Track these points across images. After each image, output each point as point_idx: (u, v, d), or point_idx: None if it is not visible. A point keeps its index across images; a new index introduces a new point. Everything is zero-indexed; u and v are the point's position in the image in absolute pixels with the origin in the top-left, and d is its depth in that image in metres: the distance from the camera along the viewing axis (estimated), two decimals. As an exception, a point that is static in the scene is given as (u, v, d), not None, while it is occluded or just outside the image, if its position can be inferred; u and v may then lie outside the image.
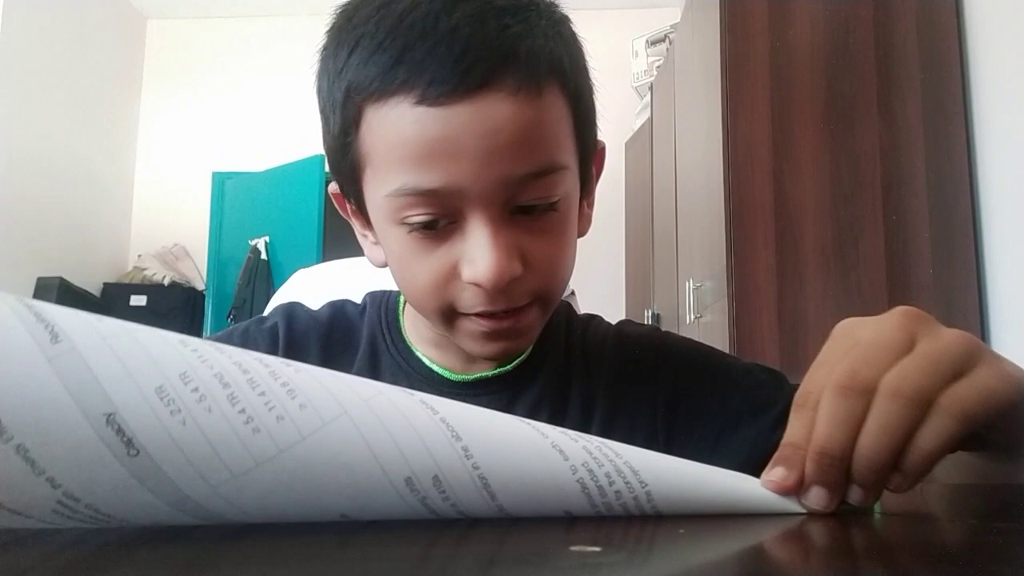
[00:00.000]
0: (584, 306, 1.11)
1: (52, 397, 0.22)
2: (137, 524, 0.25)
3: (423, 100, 0.45)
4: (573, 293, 1.09)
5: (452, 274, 0.50)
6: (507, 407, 0.58)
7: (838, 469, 0.31)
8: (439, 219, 0.49)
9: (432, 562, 0.23)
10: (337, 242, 2.51)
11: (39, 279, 3.57)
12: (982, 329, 1.92)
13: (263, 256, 3.85)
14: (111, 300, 3.87)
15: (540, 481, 0.28)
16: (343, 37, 0.50)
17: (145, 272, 3.99)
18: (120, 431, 0.22)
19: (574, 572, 0.21)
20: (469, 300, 0.51)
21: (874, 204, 1.99)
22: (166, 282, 3.96)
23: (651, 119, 3.26)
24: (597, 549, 0.23)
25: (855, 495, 0.31)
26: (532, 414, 0.59)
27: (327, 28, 0.53)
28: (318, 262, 1.15)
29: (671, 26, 3.26)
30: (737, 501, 0.31)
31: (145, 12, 4.34)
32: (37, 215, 3.57)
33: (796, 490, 0.32)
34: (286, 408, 0.24)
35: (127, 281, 4.00)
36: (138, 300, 3.89)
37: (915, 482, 0.31)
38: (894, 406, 0.31)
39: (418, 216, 0.48)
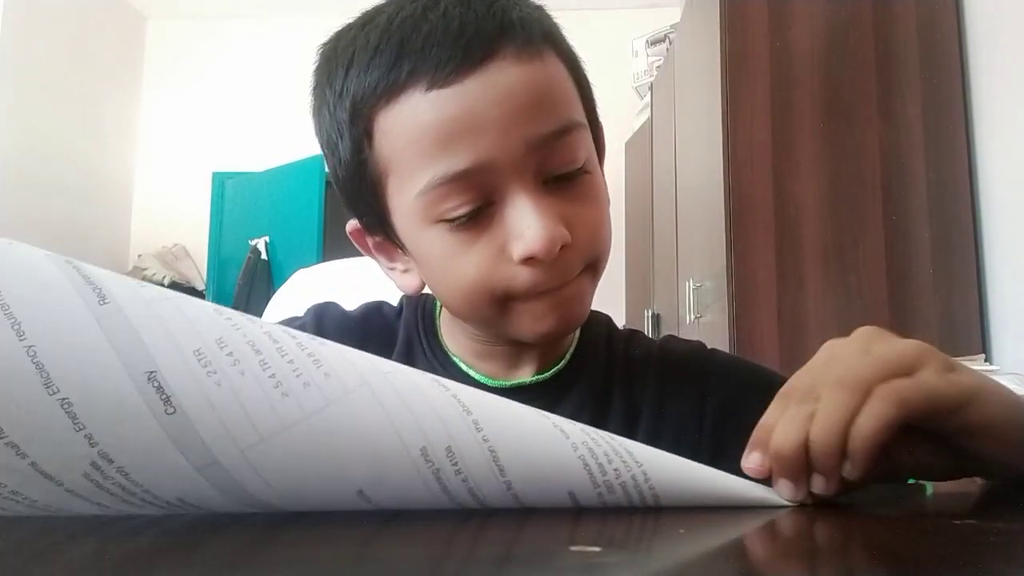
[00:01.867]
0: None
1: (98, 354, 0.23)
2: (161, 495, 0.25)
3: (433, 84, 0.46)
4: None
5: (500, 258, 0.49)
6: None
7: (795, 463, 0.34)
8: (476, 207, 0.48)
9: (431, 561, 0.23)
10: (337, 242, 2.51)
11: (39, 279, 3.57)
12: (982, 329, 1.92)
13: (263, 256, 3.86)
14: (111, 300, 3.88)
15: (546, 455, 0.29)
16: (334, 63, 0.51)
17: (145, 272, 3.99)
18: (160, 388, 0.24)
19: (574, 572, 0.21)
20: (524, 280, 0.49)
21: (874, 204, 1.99)
22: (166, 282, 3.96)
23: (651, 119, 3.26)
24: (597, 549, 0.24)
25: (816, 483, 0.34)
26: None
27: (314, 69, 0.54)
28: (318, 262, 1.15)
29: (671, 26, 3.26)
30: (729, 490, 0.32)
31: (145, 12, 4.34)
32: (37, 215, 3.57)
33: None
34: (312, 376, 0.26)
35: (127, 281, 4.01)
36: (138, 300, 3.89)
37: (863, 467, 0.33)
38: (835, 395, 0.34)
39: (456, 209, 0.48)
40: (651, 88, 3.30)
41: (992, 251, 1.93)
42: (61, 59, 3.76)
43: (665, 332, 2.96)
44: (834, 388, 0.34)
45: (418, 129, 0.47)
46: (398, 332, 0.61)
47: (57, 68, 3.74)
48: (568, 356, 0.60)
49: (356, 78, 0.49)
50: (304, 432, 0.25)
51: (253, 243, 3.88)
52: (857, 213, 1.99)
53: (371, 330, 0.61)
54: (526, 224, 0.47)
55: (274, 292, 1.15)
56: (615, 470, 0.29)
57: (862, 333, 0.38)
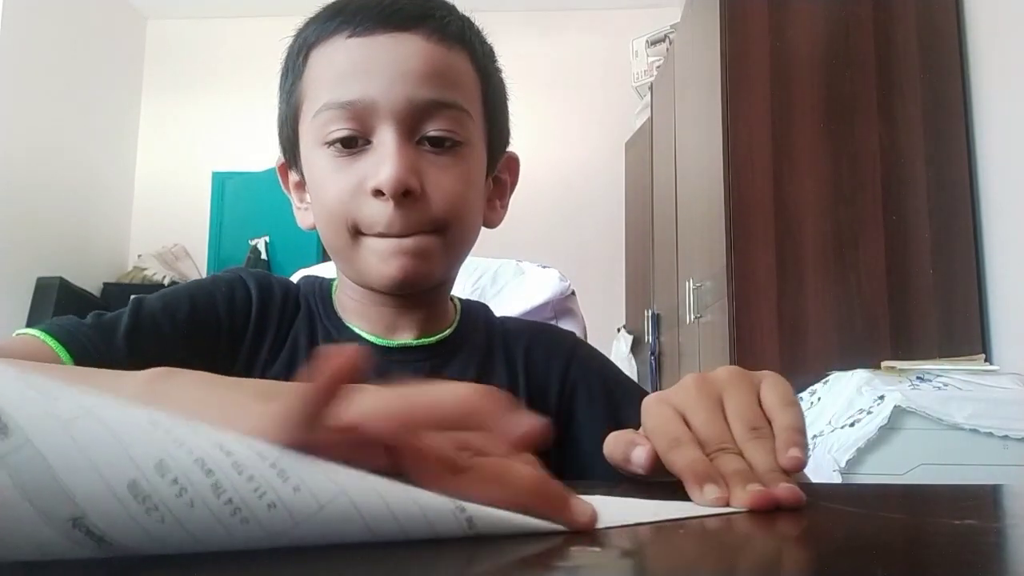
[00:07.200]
0: (584, 306, 1.11)
1: (5, 504, 0.19)
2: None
3: (352, 35, 0.58)
4: (573, 293, 1.09)
5: (359, 190, 0.58)
6: (431, 376, 0.64)
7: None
8: (353, 135, 0.58)
9: (431, 562, 0.23)
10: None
11: (39, 279, 3.57)
12: (982, 329, 1.92)
13: (263, 256, 3.85)
14: (111, 300, 3.87)
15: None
16: (305, 22, 0.64)
17: (145, 272, 3.99)
18: (90, 533, 0.20)
19: (574, 572, 0.21)
20: (370, 212, 0.58)
21: (874, 204, 1.99)
22: (166, 282, 3.96)
23: (651, 119, 3.26)
24: (597, 549, 0.24)
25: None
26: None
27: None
28: (318, 262, 1.15)
29: (671, 26, 3.26)
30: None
31: (145, 12, 4.34)
32: (37, 215, 3.56)
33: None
34: (279, 494, 0.22)
35: (127, 281, 4.00)
36: (138, 300, 3.89)
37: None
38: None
39: (336, 132, 0.58)
40: (651, 88, 3.30)
41: (992, 251, 1.93)
42: (61, 59, 3.76)
43: (665, 332, 2.96)
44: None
45: (329, 63, 0.59)
46: (301, 302, 0.69)
47: (57, 68, 3.73)
48: (453, 326, 0.68)
49: (308, 28, 0.62)
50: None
51: (253, 243, 3.87)
52: (857, 213, 1.99)
53: (288, 296, 0.68)
54: (383, 161, 0.56)
55: (274, 292, 1.15)
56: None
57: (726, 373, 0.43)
